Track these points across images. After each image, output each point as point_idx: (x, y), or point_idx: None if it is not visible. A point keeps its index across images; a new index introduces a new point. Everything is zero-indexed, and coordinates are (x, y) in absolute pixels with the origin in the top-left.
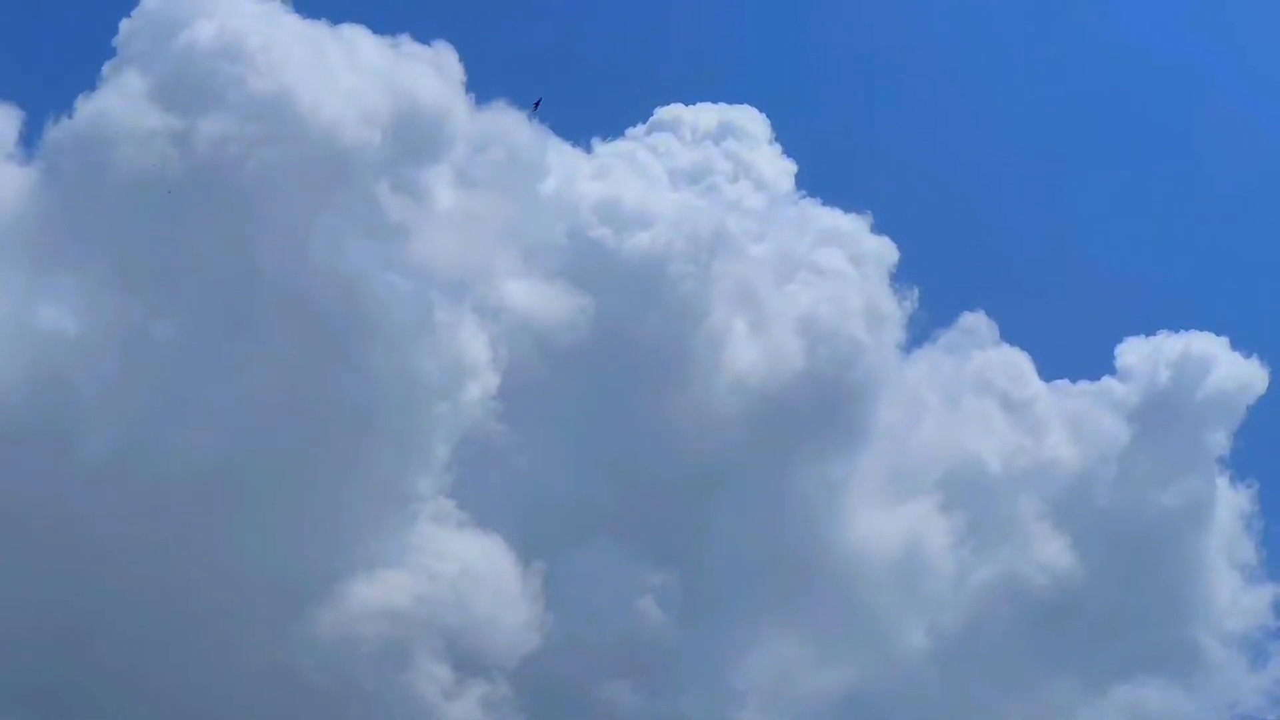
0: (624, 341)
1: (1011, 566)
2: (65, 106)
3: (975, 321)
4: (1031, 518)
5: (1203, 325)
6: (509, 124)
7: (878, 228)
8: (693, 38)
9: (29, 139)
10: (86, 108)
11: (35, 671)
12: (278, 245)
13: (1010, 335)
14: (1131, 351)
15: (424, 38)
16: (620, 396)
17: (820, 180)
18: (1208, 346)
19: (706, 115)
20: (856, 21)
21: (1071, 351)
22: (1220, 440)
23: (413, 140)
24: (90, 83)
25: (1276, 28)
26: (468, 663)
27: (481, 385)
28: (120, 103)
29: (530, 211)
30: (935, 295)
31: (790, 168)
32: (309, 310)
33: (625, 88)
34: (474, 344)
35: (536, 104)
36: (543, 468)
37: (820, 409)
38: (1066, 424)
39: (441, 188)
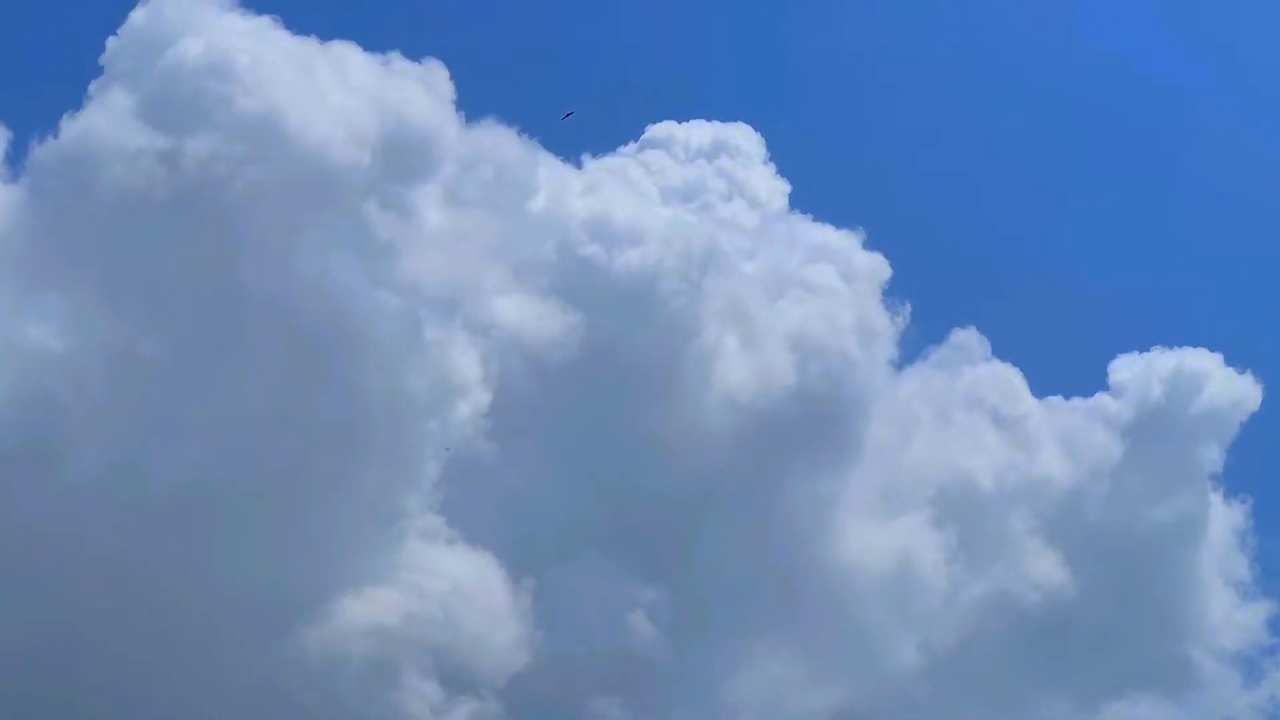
0: (615, 359)
1: (1003, 583)
2: (51, 125)
3: (967, 338)
4: (1024, 534)
5: (1196, 341)
6: (499, 141)
7: (869, 244)
8: (686, 55)
9: (15, 158)
10: (73, 126)
11: (22, 691)
12: (266, 264)
13: (1002, 351)
14: (1125, 368)
15: (415, 55)
16: (611, 413)
17: (812, 196)
18: (1201, 362)
19: (700, 133)
20: (850, 38)
21: (1064, 368)
22: (1214, 456)
23: (402, 158)
24: (76, 101)
25: (1264, 44)
26: (457, 680)
27: (472, 403)
28: (107, 121)
29: (520, 228)
30: (927, 311)
31: (784, 187)
32: (298, 328)
33: (617, 104)
34: (464, 361)
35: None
36: (533, 484)
37: (811, 425)
38: (1059, 440)
39: (431, 205)
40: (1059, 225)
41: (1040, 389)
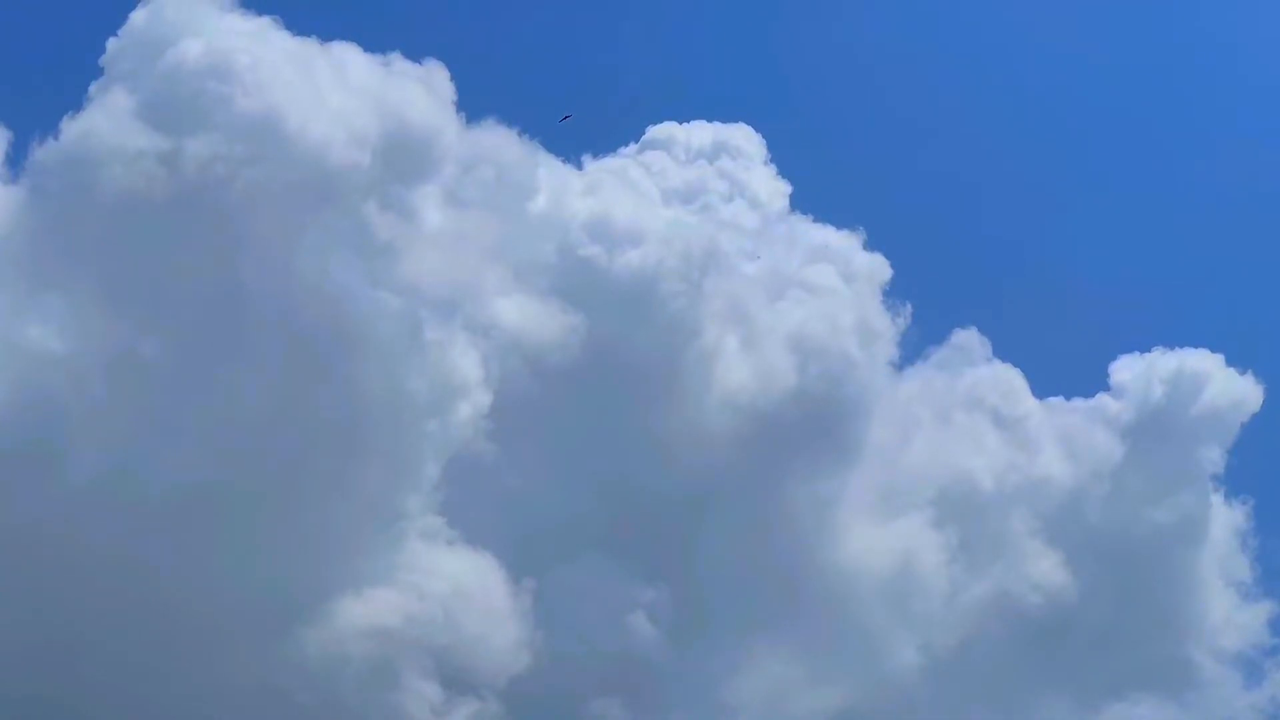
0: (615, 359)
1: (1004, 584)
2: (51, 126)
3: (968, 338)
4: (1024, 535)
5: (1197, 342)
6: (499, 141)
7: (870, 244)
8: (686, 55)
9: (15, 158)
10: (73, 127)
11: (22, 693)
12: (266, 265)
13: (1003, 352)
14: (1126, 368)
15: (415, 55)
16: (611, 414)
17: (812, 197)
18: (1202, 363)
19: (700, 133)
20: (851, 39)
21: (1065, 368)
22: (1215, 457)
23: (402, 159)
24: (77, 102)
25: (1265, 44)
26: (457, 681)
27: (472, 404)
28: (107, 122)
29: (520, 229)
30: (928, 312)
31: (784, 188)
32: (298, 329)
33: (617, 105)
34: (464, 362)
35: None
36: (533, 485)
37: (812, 426)
38: (1060, 441)
39: (431, 205)
40: (1059, 225)
41: (1041, 389)
